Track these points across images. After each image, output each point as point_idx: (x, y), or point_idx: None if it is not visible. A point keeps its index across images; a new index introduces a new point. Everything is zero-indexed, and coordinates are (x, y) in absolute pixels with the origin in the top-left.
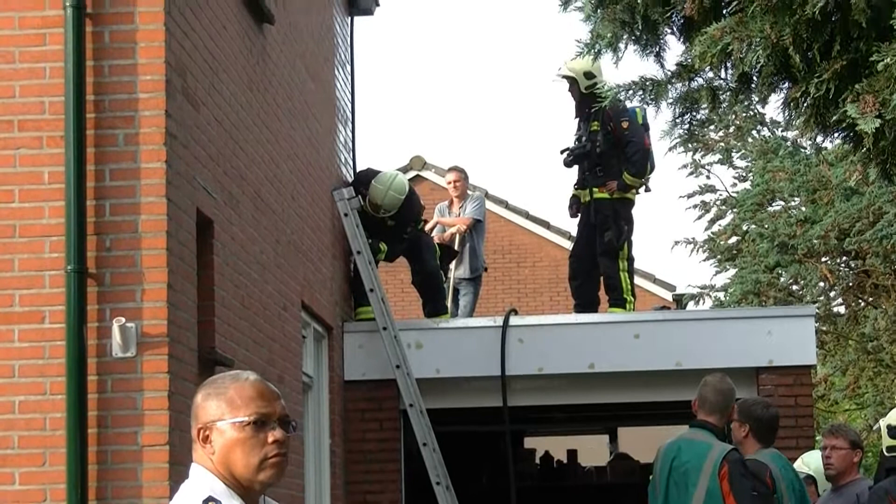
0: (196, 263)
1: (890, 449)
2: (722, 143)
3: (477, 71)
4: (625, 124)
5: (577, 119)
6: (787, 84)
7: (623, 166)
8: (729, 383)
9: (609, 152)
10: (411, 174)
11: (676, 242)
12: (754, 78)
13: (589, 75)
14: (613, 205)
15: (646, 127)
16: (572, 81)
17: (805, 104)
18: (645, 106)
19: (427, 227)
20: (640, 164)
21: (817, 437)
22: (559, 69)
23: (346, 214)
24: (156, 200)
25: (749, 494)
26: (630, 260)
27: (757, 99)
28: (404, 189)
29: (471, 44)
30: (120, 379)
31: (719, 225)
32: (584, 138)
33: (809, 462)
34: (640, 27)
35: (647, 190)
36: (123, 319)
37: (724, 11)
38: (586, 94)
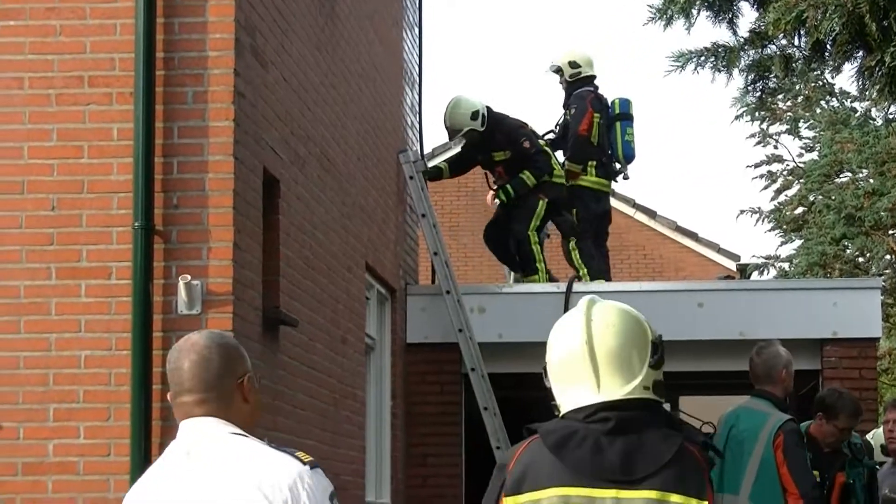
0: (262, 222)
1: None
2: (790, 113)
3: (547, 35)
4: (571, 110)
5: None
6: (861, 53)
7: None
8: (770, 351)
9: (562, 138)
10: None
11: (742, 212)
12: (828, 46)
13: (573, 65)
14: (570, 189)
15: (627, 117)
16: (557, 70)
17: (880, 73)
18: (629, 99)
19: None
20: (573, 150)
21: (879, 411)
22: (552, 61)
23: (411, 177)
24: (223, 159)
25: (804, 464)
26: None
27: (830, 67)
28: (466, 105)
29: (544, 9)
30: (184, 336)
31: (785, 195)
32: (557, 125)
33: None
34: None
35: (625, 178)
36: (189, 277)
37: None
38: (571, 83)
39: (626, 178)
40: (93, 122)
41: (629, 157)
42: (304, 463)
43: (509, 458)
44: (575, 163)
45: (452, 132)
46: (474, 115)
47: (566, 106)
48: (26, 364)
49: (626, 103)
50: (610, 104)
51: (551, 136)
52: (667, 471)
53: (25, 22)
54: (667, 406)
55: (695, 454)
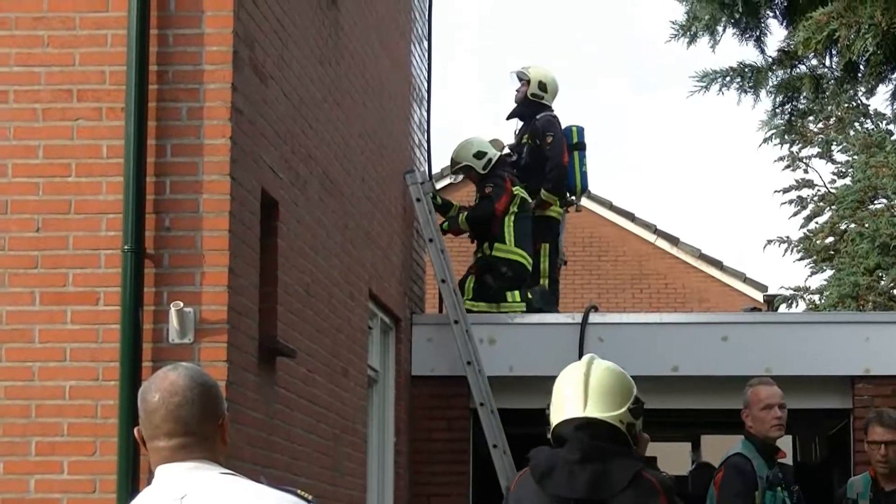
0: (259, 247)
1: None
2: (821, 136)
3: (558, 48)
4: (549, 139)
5: (514, 122)
6: None
7: (542, 182)
8: (746, 388)
9: (532, 166)
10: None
11: (769, 241)
12: (861, 66)
13: (541, 86)
14: (535, 221)
15: (581, 146)
16: (525, 83)
17: None
18: (582, 127)
19: None
20: (556, 181)
21: None
22: (523, 67)
23: (418, 199)
24: (219, 178)
25: (731, 496)
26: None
27: (864, 89)
28: (478, 144)
29: (553, 18)
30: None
31: (816, 223)
32: (514, 148)
33: None
34: (740, 9)
35: (577, 210)
36: (181, 304)
37: None
38: (530, 101)
39: (578, 209)
40: (81, 139)
41: (586, 187)
42: (307, 500)
43: (508, 487)
44: (554, 194)
45: (453, 163)
46: (479, 155)
47: (531, 128)
48: (7, 394)
49: (581, 131)
50: (568, 132)
51: (507, 157)
52: (626, 492)
53: (11, 32)
54: (687, 445)
55: (651, 481)
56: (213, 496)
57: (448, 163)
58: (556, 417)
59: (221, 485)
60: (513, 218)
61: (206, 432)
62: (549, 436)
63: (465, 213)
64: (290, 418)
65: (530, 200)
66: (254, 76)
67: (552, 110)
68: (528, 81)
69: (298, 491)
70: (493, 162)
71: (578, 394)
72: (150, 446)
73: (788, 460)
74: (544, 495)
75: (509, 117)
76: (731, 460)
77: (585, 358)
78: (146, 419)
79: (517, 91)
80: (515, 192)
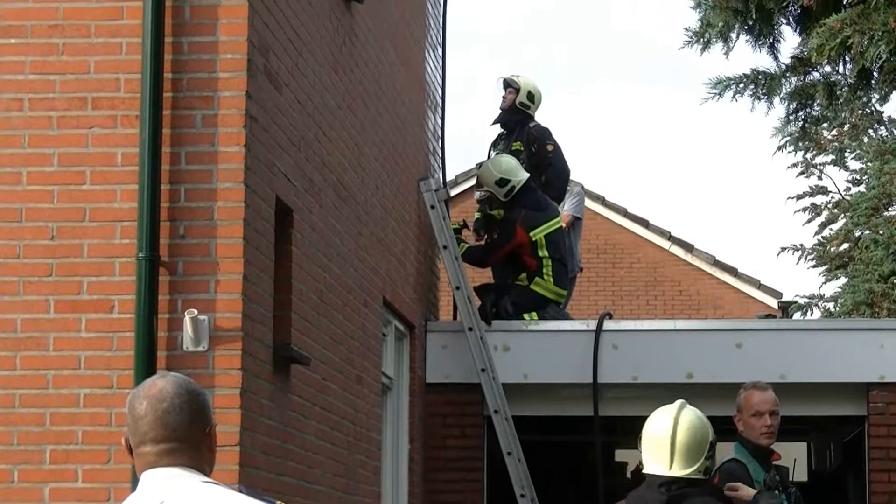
0: (273, 254)
1: None
2: (835, 143)
3: (574, 56)
4: (549, 147)
5: (499, 130)
6: None
7: (546, 191)
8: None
9: (530, 174)
10: None
11: (783, 249)
12: (875, 73)
13: (529, 96)
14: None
15: None
16: (515, 92)
17: None
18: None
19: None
20: (560, 190)
21: None
22: (512, 75)
23: (432, 206)
24: (233, 186)
25: None
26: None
27: (877, 96)
28: (506, 169)
29: (564, 26)
30: (190, 374)
31: (830, 230)
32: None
33: None
34: (753, 16)
35: None
36: (196, 311)
37: (845, 2)
38: (517, 109)
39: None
40: (96, 147)
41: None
42: None
43: None
44: (554, 199)
45: (478, 183)
46: (501, 182)
47: (508, 136)
48: (22, 402)
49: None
50: None
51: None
52: None
53: (27, 40)
54: None
55: None
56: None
57: (461, 170)
58: (646, 464)
59: (200, 492)
60: (547, 253)
61: (193, 439)
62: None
63: (466, 246)
64: (304, 426)
65: (562, 226)
66: (268, 84)
67: (535, 121)
68: (518, 90)
69: (276, 501)
70: (517, 189)
71: (665, 453)
72: (137, 452)
73: (803, 467)
74: None
75: (494, 123)
76: (724, 466)
77: (674, 408)
78: (133, 426)
79: (503, 98)
80: (534, 237)
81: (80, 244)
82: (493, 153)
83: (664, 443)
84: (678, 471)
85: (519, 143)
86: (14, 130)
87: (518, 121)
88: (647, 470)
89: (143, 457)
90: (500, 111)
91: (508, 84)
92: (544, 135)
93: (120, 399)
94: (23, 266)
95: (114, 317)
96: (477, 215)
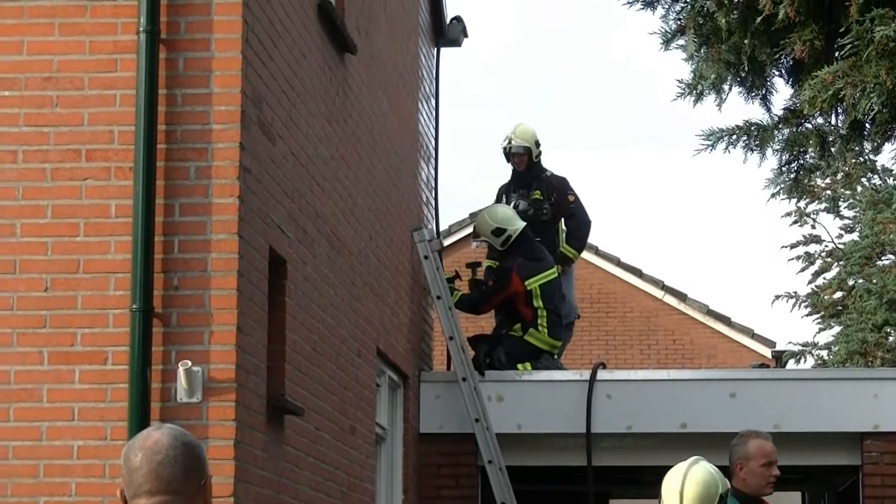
0: (267, 305)
1: None
2: (829, 191)
3: (565, 107)
4: (571, 198)
5: (513, 188)
6: None
7: (565, 240)
8: (735, 442)
9: (549, 223)
10: None
11: (777, 297)
12: (867, 125)
13: (537, 144)
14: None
15: None
16: (526, 150)
17: None
18: None
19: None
20: (584, 240)
21: None
22: (511, 142)
23: (426, 257)
24: (227, 238)
25: None
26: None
27: (870, 147)
28: (502, 218)
29: (558, 79)
30: (184, 425)
31: (824, 278)
32: (526, 206)
33: None
34: (746, 68)
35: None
36: (190, 363)
37: (837, 55)
38: (534, 164)
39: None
40: (89, 199)
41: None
42: None
43: None
44: (579, 251)
45: (475, 232)
46: (497, 232)
47: (528, 185)
48: (16, 454)
49: None
50: None
51: (524, 216)
52: None
53: (21, 92)
54: None
55: None
56: None
57: (455, 220)
58: None
59: None
60: (542, 303)
61: (188, 492)
62: None
63: (460, 294)
64: (297, 476)
65: (558, 274)
66: (262, 135)
67: (548, 170)
68: (529, 149)
69: None
70: (513, 239)
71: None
72: None
73: None
74: None
75: (518, 188)
76: None
77: (686, 463)
78: (128, 478)
79: (515, 163)
80: (529, 286)
81: (73, 296)
82: (504, 200)
83: (674, 497)
84: None
85: (538, 192)
86: (8, 182)
87: (534, 176)
88: None
89: None
90: (524, 171)
91: (515, 153)
92: (564, 185)
93: (114, 451)
94: (17, 318)
95: (107, 368)
96: (487, 263)
